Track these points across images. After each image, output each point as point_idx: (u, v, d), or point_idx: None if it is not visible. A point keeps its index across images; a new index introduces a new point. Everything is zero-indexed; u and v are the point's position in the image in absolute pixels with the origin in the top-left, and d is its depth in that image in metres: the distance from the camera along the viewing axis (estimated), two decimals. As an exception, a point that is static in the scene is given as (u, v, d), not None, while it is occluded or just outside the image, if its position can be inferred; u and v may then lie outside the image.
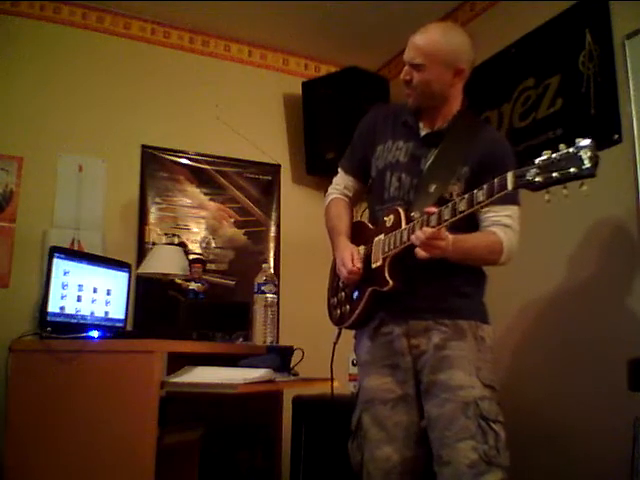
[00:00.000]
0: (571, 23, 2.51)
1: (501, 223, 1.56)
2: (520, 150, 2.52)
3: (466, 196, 1.38)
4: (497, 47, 2.90)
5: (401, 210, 1.59)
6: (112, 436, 1.82)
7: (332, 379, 1.85)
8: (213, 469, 2.52)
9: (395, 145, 1.71)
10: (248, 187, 3.52)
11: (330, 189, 1.92)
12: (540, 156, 1.21)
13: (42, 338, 2.04)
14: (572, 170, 1.15)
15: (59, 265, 2.26)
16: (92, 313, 2.40)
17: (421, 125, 1.70)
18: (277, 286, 2.49)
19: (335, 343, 1.81)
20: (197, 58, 3.51)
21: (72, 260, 2.34)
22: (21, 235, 2.89)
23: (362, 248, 1.70)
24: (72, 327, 2.21)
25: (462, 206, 1.37)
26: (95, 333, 2.16)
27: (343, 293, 1.78)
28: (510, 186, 1.27)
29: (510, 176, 1.27)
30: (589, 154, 1.14)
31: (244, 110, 3.54)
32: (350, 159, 1.88)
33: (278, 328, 2.80)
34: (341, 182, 1.89)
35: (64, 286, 2.27)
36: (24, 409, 2.01)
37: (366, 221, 1.80)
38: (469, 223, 1.53)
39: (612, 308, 2.22)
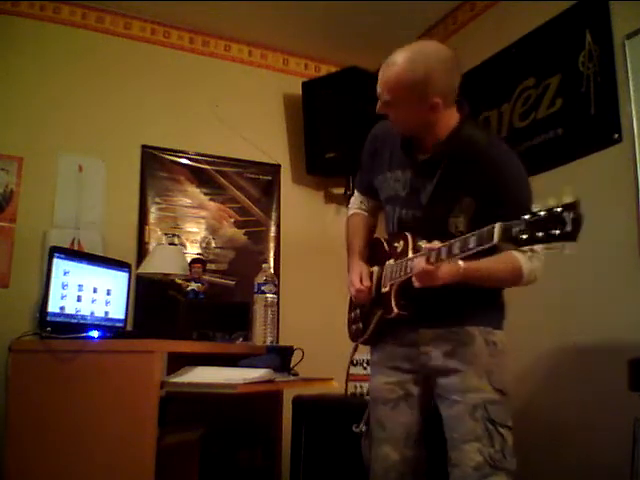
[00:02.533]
0: (571, 23, 2.51)
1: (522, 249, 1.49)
2: (521, 150, 2.52)
3: (460, 240, 1.36)
4: (497, 47, 2.90)
5: (409, 237, 1.60)
6: (112, 436, 1.82)
7: (347, 383, 1.99)
8: (213, 469, 2.52)
9: (393, 176, 1.68)
10: (248, 187, 3.52)
11: (350, 204, 1.96)
12: (529, 213, 1.20)
13: (42, 338, 2.04)
14: (555, 232, 1.14)
15: (59, 265, 2.26)
16: (92, 313, 2.40)
17: (417, 152, 1.64)
18: (277, 286, 2.49)
19: (352, 356, 1.89)
20: (197, 58, 3.51)
21: (72, 260, 2.34)
22: (21, 235, 2.89)
23: (376, 269, 1.71)
24: (72, 327, 2.21)
25: (455, 249, 1.36)
26: (95, 333, 2.16)
27: (358, 310, 1.80)
28: (496, 239, 1.25)
29: (497, 229, 1.25)
30: (572, 216, 1.12)
31: (244, 110, 3.54)
32: (360, 181, 1.91)
33: (278, 328, 2.80)
34: (358, 198, 1.93)
35: (64, 286, 2.27)
36: (24, 409, 2.00)
37: (382, 239, 1.78)
38: None
39: (612, 308, 2.22)
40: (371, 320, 1.69)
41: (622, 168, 2.22)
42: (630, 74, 2.24)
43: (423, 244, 1.48)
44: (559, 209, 1.14)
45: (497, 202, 1.47)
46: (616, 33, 2.30)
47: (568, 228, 1.12)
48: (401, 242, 1.62)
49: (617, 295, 2.22)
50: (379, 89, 1.54)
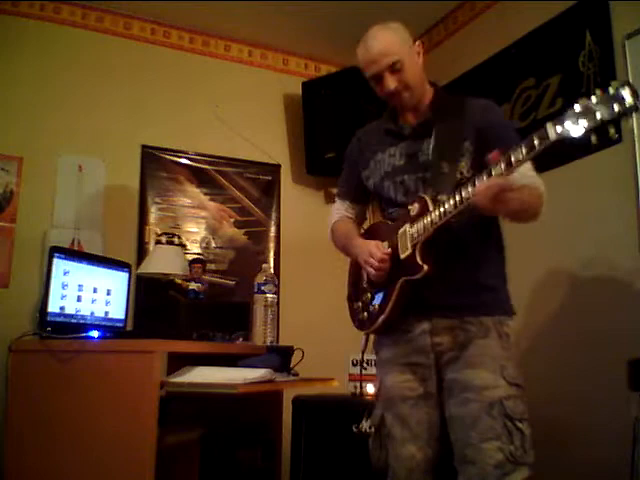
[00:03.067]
0: (571, 23, 2.51)
1: (527, 175, 1.50)
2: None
3: (512, 150, 1.33)
4: (497, 47, 2.90)
5: (427, 196, 1.54)
6: (112, 436, 1.82)
7: (361, 381, 2.01)
8: (213, 469, 2.52)
9: (387, 153, 1.69)
10: (248, 187, 3.53)
11: (331, 217, 1.90)
12: (575, 104, 1.12)
13: (42, 338, 2.04)
14: (617, 109, 1.07)
15: (59, 265, 2.26)
16: (92, 313, 2.40)
17: (404, 125, 1.68)
18: (277, 286, 2.49)
19: (364, 347, 1.77)
20: (197, 58, 3.51)
21: (72, 260, 2.34)
22: (21, 235, 2.89)
23: (386, 244, 1.63)
24: (72, 327, 2.20)
25: (516, 157, 1.33)
26: (95, 333, 2.15)
27: (368, 294, 1.70)
28: (552, 136, 1.20)
29: (549, 126, 1.18)
30: (628, 90, 1.05)
31: (244, 110, 3.55)
32: (346, 186, 1.87)
33: (278, 328, 2.80)
34: (340, 207, 1.88)
35: (64, 286, 2.27)
36: (24, 409, 2.00)
37: (383, 220, 1.74)
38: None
39: (612, 308, 2.22)
40: (391, 294, 1.59)
41: (622, 168, 2.23)
42: (630, 74, 2.24)
43: (444, 197, 1.46)
44: (613, 90, 1.05)
45: (494, 136, 1.50)
46: (616, 33, 2.30)
47: (630, 101, 1.04)
48: (416, 205, 1.56)
49: (617, 294, 2.22)
50: (382, 62, 1.58)
